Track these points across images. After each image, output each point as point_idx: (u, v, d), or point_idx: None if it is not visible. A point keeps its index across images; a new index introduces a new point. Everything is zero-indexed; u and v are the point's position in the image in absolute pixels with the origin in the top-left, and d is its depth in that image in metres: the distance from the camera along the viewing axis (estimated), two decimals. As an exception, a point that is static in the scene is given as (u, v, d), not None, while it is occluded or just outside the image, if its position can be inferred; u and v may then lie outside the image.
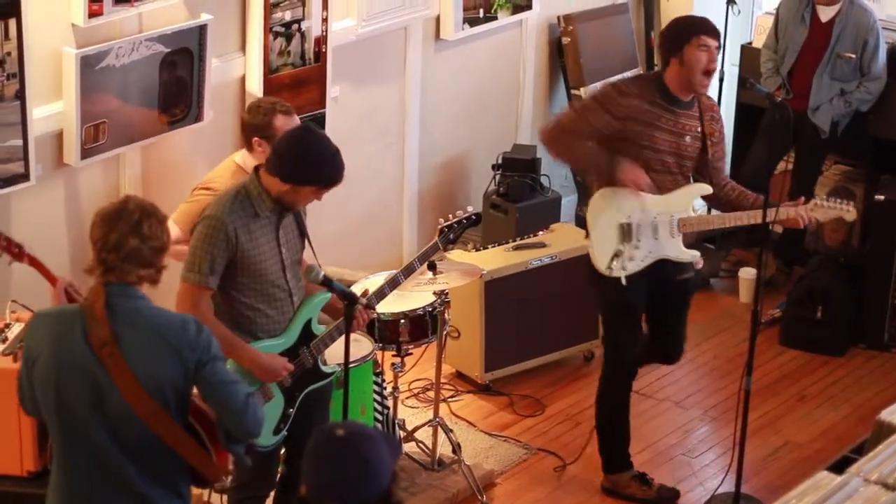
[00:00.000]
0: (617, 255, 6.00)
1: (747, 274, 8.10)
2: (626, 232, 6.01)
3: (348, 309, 4.85)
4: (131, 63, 6.17)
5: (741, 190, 6.14)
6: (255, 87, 6.77)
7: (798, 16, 7.96)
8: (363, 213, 7.61)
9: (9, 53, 5.74)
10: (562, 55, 8.46)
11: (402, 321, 6.11)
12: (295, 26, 6.89)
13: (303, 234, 5.23)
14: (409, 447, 6.46)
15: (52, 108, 6.03)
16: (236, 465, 4.70)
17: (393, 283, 5.58)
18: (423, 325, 6.17)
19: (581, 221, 7.09)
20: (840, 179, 8.29)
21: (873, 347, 7.75)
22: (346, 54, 7.23)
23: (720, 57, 8.52)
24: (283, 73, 6.90)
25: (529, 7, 8.15)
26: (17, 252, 4.70)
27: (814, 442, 6.89)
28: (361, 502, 3.36)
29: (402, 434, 6.40)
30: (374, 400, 6.06)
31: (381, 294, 5.54)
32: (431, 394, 6.65)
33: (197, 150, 6.62)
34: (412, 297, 6.14)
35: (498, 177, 8.00)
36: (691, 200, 6.13)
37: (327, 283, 4.83)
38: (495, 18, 8.01)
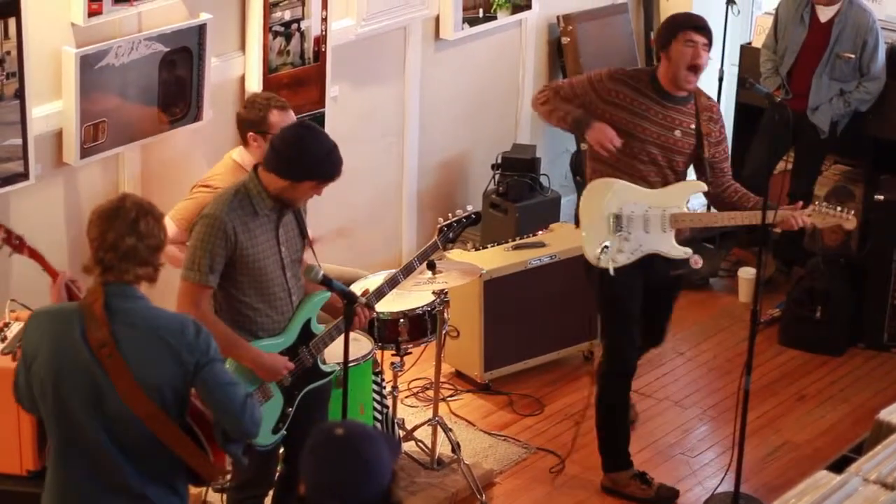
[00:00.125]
0: (606, 245, 6.03)
1: (747, 273, 8.10)
2: (616, 223, 6.05)
3: (348, 308, 4.85)
4: (131, 62, 6.17)
5: (744, 192, 6.15)
6: (255, 87, 6.77)
7: (797, 16, 7.96)
8: (363, 213, 7.61)
9: (8, 52, 5.74)
10: (561, 55, 8.46)
11: (402, 320, 6.11)
12: (294, 26, 6.89)
13: (303, 233, 5.23)
14: (408, 446, 6.46)
15: (52, 107, 6.03)
16: (235, 465, 4.70)
17: (392, 283, 5.58)
18: (423, 325, 6.17)
19: (581, 222, 7.11)
20: (839, 179, 8.29)
21: (872, 347, 7.75)
22: (345, 54, 7.23)
23: (720, 56, 8.61)
24: (283, 72, 6.90)
25: (529, 7, 8.15)
26: (17, 244, 4.69)
27: (813, 441, 6.89)
28: (361, 502, 3.36)
29: (402, 433, 6.40)
30: (374, 399, 6.06)
31: (380, 293, 5.54)
32: (431, 393, 6.65)
33: (196, 149, 6.62)
34: (411, 297, 6.14)
35: (497, 176, 8.00)
36: (685, 197, 6.15)
37: (326, 282, 4.83)
38: (495, 18, 8.01)
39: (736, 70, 8.67)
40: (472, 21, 7.88)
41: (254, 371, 5.08)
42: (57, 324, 4.15)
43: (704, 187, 6.11)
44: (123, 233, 4.08)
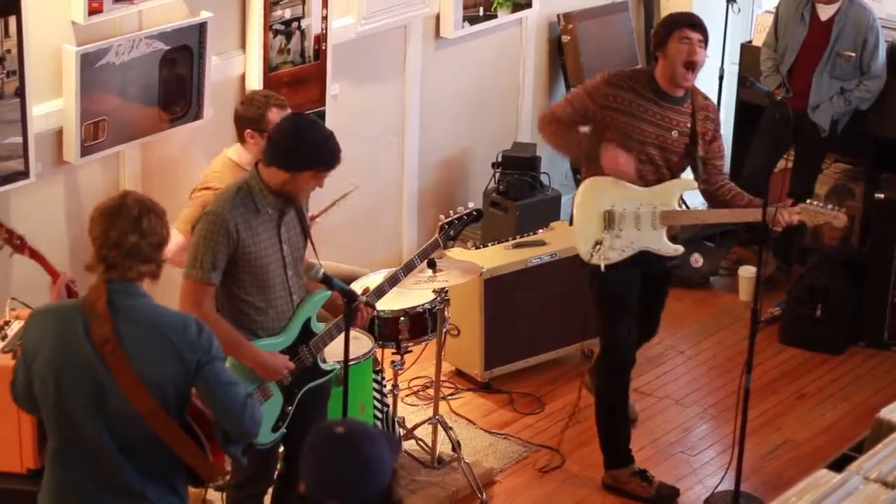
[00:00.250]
0: (599, 242, 6.07)
1: (747, 272, 8.10)
2: (608, 220, 6.08)
3: (348, 307, 4.84)
4: (131, 60, 6.17)
5: (738, 192, 6.18)
6: (255, 85, 6.77)
7: (798, 14, 7.96)
8: (363, 211, 7.60)
9: (9, 51, 5.74)
10: (562, 53, 8.46)
11: (402, 319, 6.11)
12: (295, 24, 6.89)
13: (305, 232, 5.23)
14: (408, 445, 6.46)
15: (52, 105, 6.03)
16: (233, 465, 4.70)
17: (393, 281, 5.58)
18: (423, 323, 6.17)
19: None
20: (840, 178, 8.29)
21: (873, 346, 7.74)
22: (345, 52, 7.23)
23: (720, 55, 8.61)
24: (283, 70, 6.90)
25: (529, 5, 8.15)
26: (18, 244, 4.69)
27: (813, 440, 6.89)
28: (361, 500, 3.35)
29: (402, 432, 6.40)
30: (374, 398, 6.06)
31: (381, 291, 5.54)
32: (431, 391, 6.65)
33: (197, 147, 6.62)
34: (412, 295, 6.14)
35: (498, 175, 8.00)
36: (676, 194, 6.19)
37: (327, 280, 4.83)
38: (495, 17, 8.00)
39: (736, 68, 8.66)
40: (472, 19, 7.88)
41: (254, 370, 5.08)
42: (59, 321, 4.15)
43: (696, 185, 6.16)
44: (126, 230, 4.09)
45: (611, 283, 6.13)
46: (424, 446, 6.46)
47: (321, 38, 7.03)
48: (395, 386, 6.31)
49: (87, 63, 5.99)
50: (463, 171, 8.22)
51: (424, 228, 7.91)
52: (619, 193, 6.07)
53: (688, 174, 6.27)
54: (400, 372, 6.31)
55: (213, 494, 5.87)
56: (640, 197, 6.08)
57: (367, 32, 7.31)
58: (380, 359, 6.22)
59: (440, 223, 5.80)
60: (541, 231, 7.42)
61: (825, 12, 7.89)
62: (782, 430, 6.97)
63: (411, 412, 6.81)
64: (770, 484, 6.44)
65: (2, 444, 5.04)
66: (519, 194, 7.90)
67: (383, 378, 6.18)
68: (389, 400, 6.24)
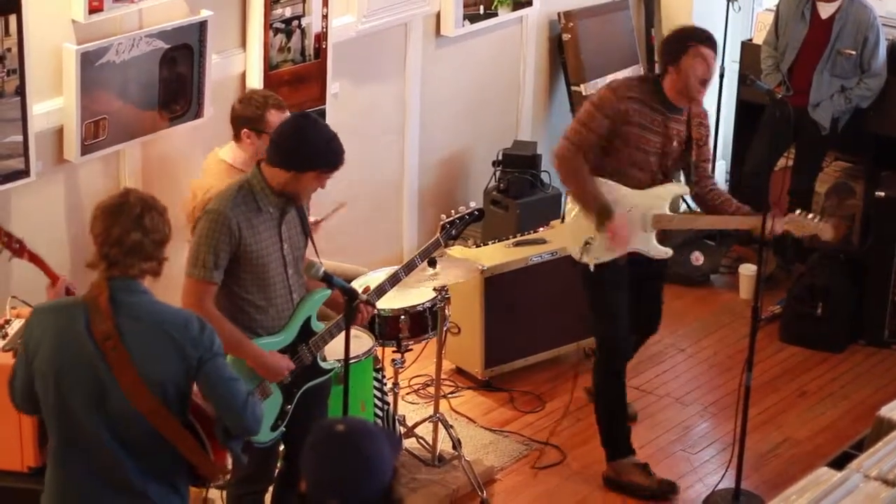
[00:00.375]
0: (588, 243, 6.10)
1: (747, 270, 8.10)
2: (595, 223, 6.09)
3: (348, 305, 4.84)
4: (131, 59, 6.17)
5: (726, 198, 6.24)
6: (256, 84, 6.77)
7: (798, 12, 7.96)
8: (363, 210, 7.60)
9: (9, 49, 5.74)
10: (562, 52, 8.46)
11: (403, 317, 6.11)
12: (295, 23, 6.89)
13: (305, 231, 5.23)
14: (409, 443, 6.46)
15: (53, 104, 6.03)
16: (234, 462, 4.70)
17: (394, 280, 5.59)
18: (424, 322, 6.17)
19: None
20: (840, 176, 8.29)
21: (873, 344, 7.75)
22: (346, 51, 7.23)
23: (721, 53, 8.60)
24: (284, 69, 6.90)
25: (530, 4, 8.15)
26: (17, 248, 4.69)
27: (814, 438, 6.89)
28: (362, 498, 3.36)
29: (403, 430, 6.40)
30: (375, 396, 6.06)
31: (381, 290, 5.55)
32: (432, 390, 6.65)
33: (197, 146, 6.61)
34: (412, 293, 6.14)
35: (498, 173, 8.00)
36: (668, 198, 6.22)
37: (327, 279, 4.82)
38: (496, 15, 8.01)
39: (737, 67, 8.67)
40: (472, 18, 7.88)
41: (255, 369, 5.08)
42: (60, 318, 4.15)
43: (687, 190, 6.24)
44: (128, 228, 4.09)
45: (602, 282, 6.16)
46: (425, 444, 6.46)
47: (321, 37, 7.03)
48: (395, 384, 6.31)
49: (88, 62, 5.99)
50: (463, 170, 8.22)
51: (425, 227, 7.91)
52: (611, 195, 6.08)
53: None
54: (400, 370, 6.31)
55: (213, 493, 5.87)
56: (632, 199, 6.10)
57: (368, 31, 7.32)
58: (380, 357, 6.22)
59: (441, 222, 5.80)
60: (541, 229, 7.42)
61: (826, 10, 7.90)
62: (783, 429, 6.97)
63: (412, 410, 6.81)
64: (770, 482, 6.44)
65: (3, 443, 5.04)
66: (519, 192, 7.91)
67: (384, 376, 6.18)
68: (390, 398, 6.24)
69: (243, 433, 4.33)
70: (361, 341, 5.92)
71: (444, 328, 6.32)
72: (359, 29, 7.26)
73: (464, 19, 7.83)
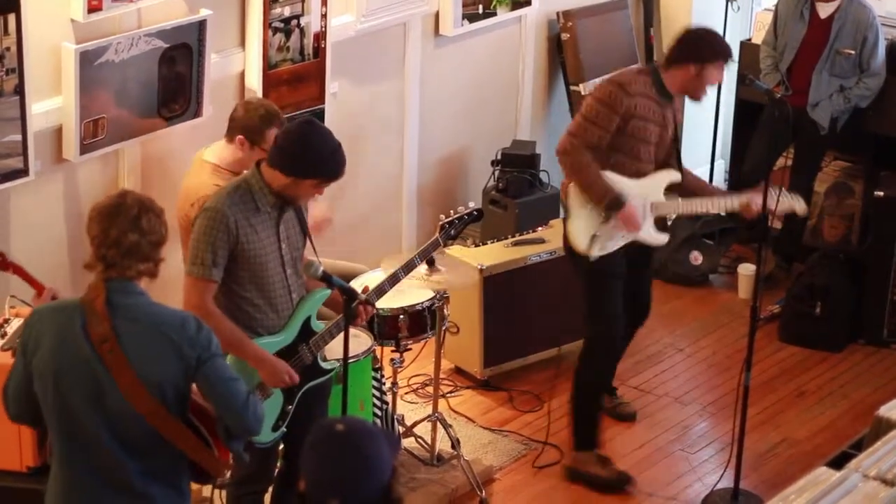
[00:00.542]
0: (595, 236, 6.17)
1: (746, 270, 8.10)
2: (603, 214, 6.15)
3: (347, 305, 4.84)
4: (130, 58, 6.17)
5: (703, 182, 6.56)
6: (255, 83, 6.77)
7: (797, 12, 7.96)
8: (362, 209, 7.61)
9: (8, 49, 5.74)
10: (561, 51, 8.46)
11: (402, 317, 6.11)
12: (294, 22, 6.89)
13: (304, 230, 5.23)
14: (408, 442, 6.46)
15: (52, 103, 6.03)
16: (235, 462, 4.70)
17: (393, 280, 5.58)
18: (422, 321, 6.17)
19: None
20: (839, 175, 8.29)
21: (872, 343, 7.75)
22: (345, 50, 7.23)
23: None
24: (283, 68, 6.89)
25: (528, 3, 8.15)
26: (0, 260, 4.68)
27: (812, 438, 6.89)
28: (361, 498, 3.36)
29: (402, 429, 6.41)
30: (373, 395, 6.06)
31: (381, 290, 5.54)
32: (430, 389, 6.65)
33: (196, 145, 6.59)
34: (411, 293, 6.14)
35: (497, 172, 8.00)
36: (663, 186, 6.31)
37: (326, 278, 4.82)
38: (494, 14, 8.00)
39: (736, 66, 8.65)
40: (471, 17, 7.88)
41: (256, 370, 5.07)
42: (58, 319, 4.15)
43: (679, 177, 6.32)
44: (126, 229, 4.09)
45: (601, 272, 6.24)
46: (424, 444, 6.46)
47: (320, 36, 7.03)
48: (394, 384, 6.31)
49: (87, 61, 5.99)
50: (462, 169, 8.22)
51: (424, 226, 7.91)
52: (615, 186, 6.14)
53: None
54: (399, 370, 6.31)
55: (213, 493, 5.87)
56: (631, 189, 6.16)
57: (367, 30, 7.31)
58: (379, 356, 6.22)
59: (441, 222, 5.80)
60: (540, 229, 7.42)
61: (825, 10, 7.90)
62: (781, 428, 6.97)
63: (411, 410, 6.81)
64: (769, 482, 6.45)
65: (2, 443, 5.03)
66: (518, 192, 7.91)
67: (383, 376, 6.18)
68: (389, 398, 6.24)
69: (244, 433, 4.32)
70: (360, 341, 5.92)
71: (443, 327, 6.32)
72: (358, 28, 7.26)
73: (463, 19, 7.83)
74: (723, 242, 8.51)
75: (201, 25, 6.40)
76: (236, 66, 6.80)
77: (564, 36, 8.39)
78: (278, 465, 5.47)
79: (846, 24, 7.85)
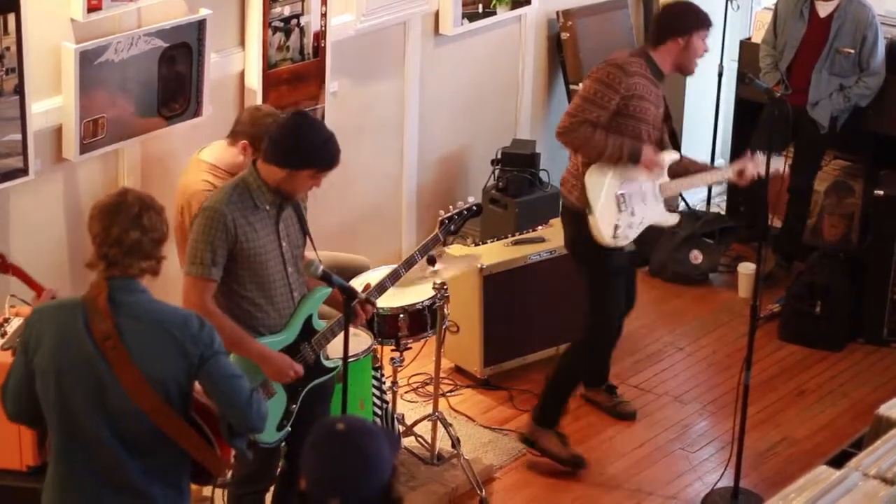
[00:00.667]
0: (618, 226, 6.22)
1: (746, 269, 8.10)
2: (621, 202, 6.22)
3: (346, 304, 4.84)
4: (130, 58, 6.17)
5: (689, 158, 6.61)
6: (254, 83, 6.77)
7: (797, 11, 7.96)
8: (362, 208, 7.61)
9: (8, 48, 5.74)
10: (561, 50, 8.46)
11: (402, 316, 6.11)
12: (294, 21, 6.89)
13: (304, 229, 5.22)
14: (408, 441, 6.46)
15: (51, 102, 6.03)
16: (237, 460, 4.70)
17: (394, 277, 5.59)
18: (423, 320, 6.17)
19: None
20: (839, 174, 8.29)
21: (872, 342, 7.75)
22: (345, 49, 7.23)
23: (720, 52, 8.62)
24: (282, 67, 6.90)
25: (528, 2, 8.15)
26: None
27: (812, 436, 6.89)
28: (361, 497, 3.36)
29: (402, 428, 6.41)
30: (373, 394, 6.06)
31: (382, 288, 5.54)
32: (430, 388, 6.66)
33: (196, 145, 6.59)
34: (411, 292, 6.14)
35: (497, 171, 8.00)
36: (667, 166, 6.36)
37: (326, 277, 4.83)
38: (494, 14, 8.00)
39: (735, 65, 8.67)
40: (471, 16, 7.88)
41: (259, 367, 5.07)
42: (60, 317, 4.15)
43: (678, 156, 6.41)
44: (127, 227, 4.09)
45: (614, 259, 6.28)
46: (424, 443, 6.47)
47: (320, 35, 7.03)
48: (394, 383, 6.31)
49: (87, 60, 5.99)
50: (462, 168, 8.22)
51: (424, 225, 7.91)
52: (621, 174, 6.21)
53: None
54: (399, 369, 6.31)
55: (214, 492, 5.87)
56: (638, 173, 6.23)
57: (367, 29, 7.32)
58: (379, 356, 6.22)
59: (440, 218, 5.80)
60: (540, 228, 7.42)
61: (824, 9, 7.90)
62: (781, 427, 6.98)
63: (411, 409, 6.81)
64: (769, 480, 6.45)
65: (2, 442, 5.03)
66: (518, 191, 7.91)
67: (383, 375, 6.18)
68: (389, 397, 6.24)
69: (247, 430, 4.32)
70: (360, 340, 5.92)
71: (443, 326, 6.32)
72: (358, 27, 7.26)
73: (462, 18, 7.83)
74: (723, 241, 8.51)
75: (201, 25, 6.40)
76: (236, 66, 6.80)
77: (564, 35, 8.39)
78: (280, 464, 5.47)
79: (846, 23, 7.85)
